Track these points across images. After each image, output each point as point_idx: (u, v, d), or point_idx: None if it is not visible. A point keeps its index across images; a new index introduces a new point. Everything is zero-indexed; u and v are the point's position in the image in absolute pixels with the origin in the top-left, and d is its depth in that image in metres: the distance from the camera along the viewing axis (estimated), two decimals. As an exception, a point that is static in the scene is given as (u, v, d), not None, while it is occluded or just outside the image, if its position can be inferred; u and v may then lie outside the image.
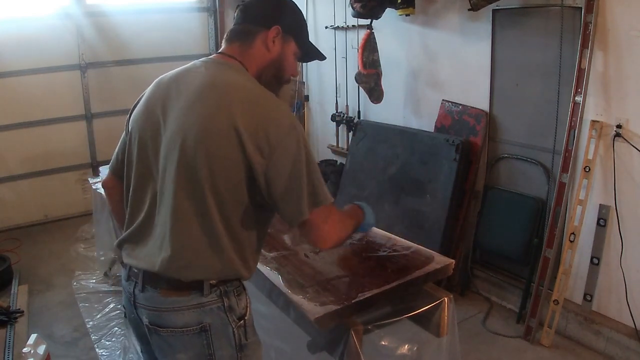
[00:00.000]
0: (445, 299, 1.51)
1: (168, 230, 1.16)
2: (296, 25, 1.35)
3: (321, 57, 1.45)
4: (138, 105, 1.32)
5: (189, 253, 1.16)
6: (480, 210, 3.00)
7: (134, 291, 1.24)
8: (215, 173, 1.13)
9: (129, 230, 1.28)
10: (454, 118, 3.10)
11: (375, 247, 1.72)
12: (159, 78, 1.33)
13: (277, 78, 1.34)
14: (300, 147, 1.16)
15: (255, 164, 1.12)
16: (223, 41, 1.34)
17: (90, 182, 3.48)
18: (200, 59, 1.30)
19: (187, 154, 1.14)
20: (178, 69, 1.31)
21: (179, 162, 1.15)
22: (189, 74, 1.26)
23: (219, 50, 1.33)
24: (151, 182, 1.23)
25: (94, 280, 3.32)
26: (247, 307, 1.26)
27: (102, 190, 3.15)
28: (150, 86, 1.32)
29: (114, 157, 1.40)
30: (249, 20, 1.31)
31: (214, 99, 1.16)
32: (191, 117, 1.16)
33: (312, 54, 1.42)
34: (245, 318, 1.25)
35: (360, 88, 3.44)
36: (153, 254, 1.19)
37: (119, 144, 1.37)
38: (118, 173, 1.36)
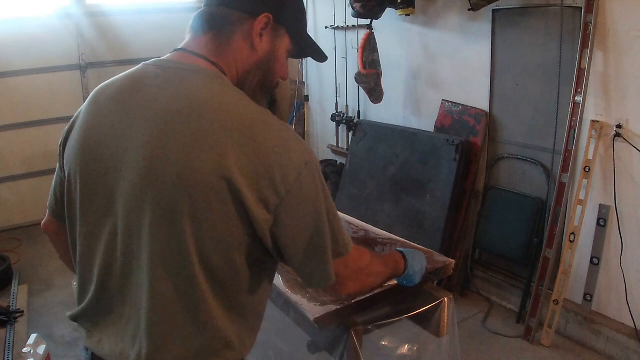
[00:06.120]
0: (445, 299, 1.51)
1: (144, 316, 0.87)
2: (293, 12, 0.98)
3: (322, 57, 1.10)
4: (72, 135, 0.95)
5: (177, 347, 0.87)
6: (480, 210, 3.00)
7: None
8: (206, 240, 0.83)
9: (82, 305, 0.97)
10: (454, 118, 3.10)
11: (373, 245, 1.72)
12: (96, 94, 0.95)
13: (263, 85, 0.99)
14: (318, 188, 0.87)
15: (259, 221, 0.83)
16: (188, 29, 0.96)
17: (90, 182, 3.48)
18: (152, 61, 0.93)
19: (163, 217, 0.83)
20: (119, 78, 0.94)
21: (152, 227, 0.84)
22: (140, 90, 0.89)
23: (181, 46, 0.94)
24: (102, 246, 0.91)
25: (94, 280, 3.31)
26: None
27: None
28: (85, 106, 0.96)
29: (51, 196, 1.07)
30: (226, 1, 0.92)
31: (190, 135, 0.81)
32: (160, 163, 0.82)
33: (311, 51, 1.08)
34: None
35: (360, 88, 3.44)
36: (124, 346, 0.90)
37: (54, 180, 1.05)
38: (59, 216, 1.04)
